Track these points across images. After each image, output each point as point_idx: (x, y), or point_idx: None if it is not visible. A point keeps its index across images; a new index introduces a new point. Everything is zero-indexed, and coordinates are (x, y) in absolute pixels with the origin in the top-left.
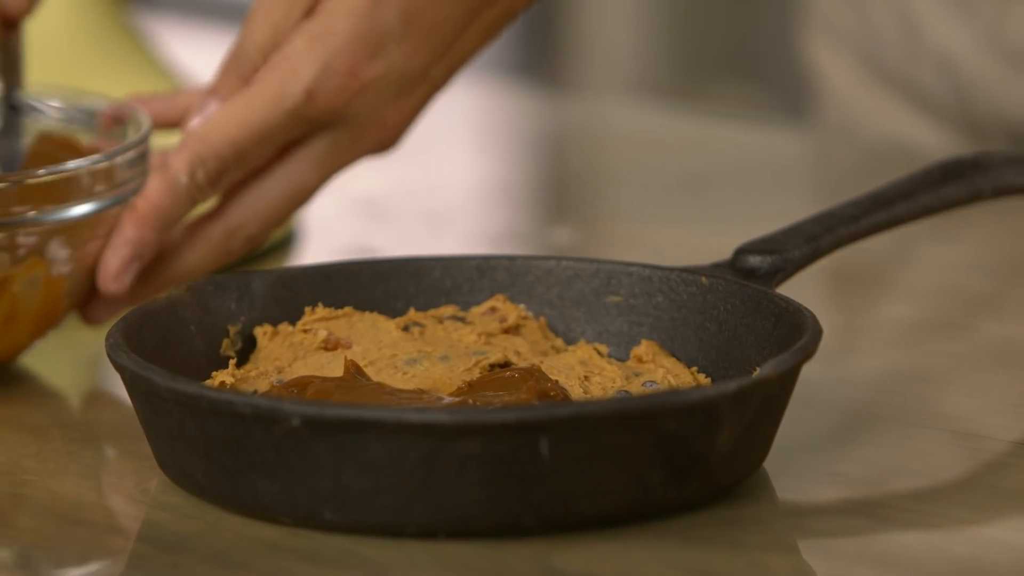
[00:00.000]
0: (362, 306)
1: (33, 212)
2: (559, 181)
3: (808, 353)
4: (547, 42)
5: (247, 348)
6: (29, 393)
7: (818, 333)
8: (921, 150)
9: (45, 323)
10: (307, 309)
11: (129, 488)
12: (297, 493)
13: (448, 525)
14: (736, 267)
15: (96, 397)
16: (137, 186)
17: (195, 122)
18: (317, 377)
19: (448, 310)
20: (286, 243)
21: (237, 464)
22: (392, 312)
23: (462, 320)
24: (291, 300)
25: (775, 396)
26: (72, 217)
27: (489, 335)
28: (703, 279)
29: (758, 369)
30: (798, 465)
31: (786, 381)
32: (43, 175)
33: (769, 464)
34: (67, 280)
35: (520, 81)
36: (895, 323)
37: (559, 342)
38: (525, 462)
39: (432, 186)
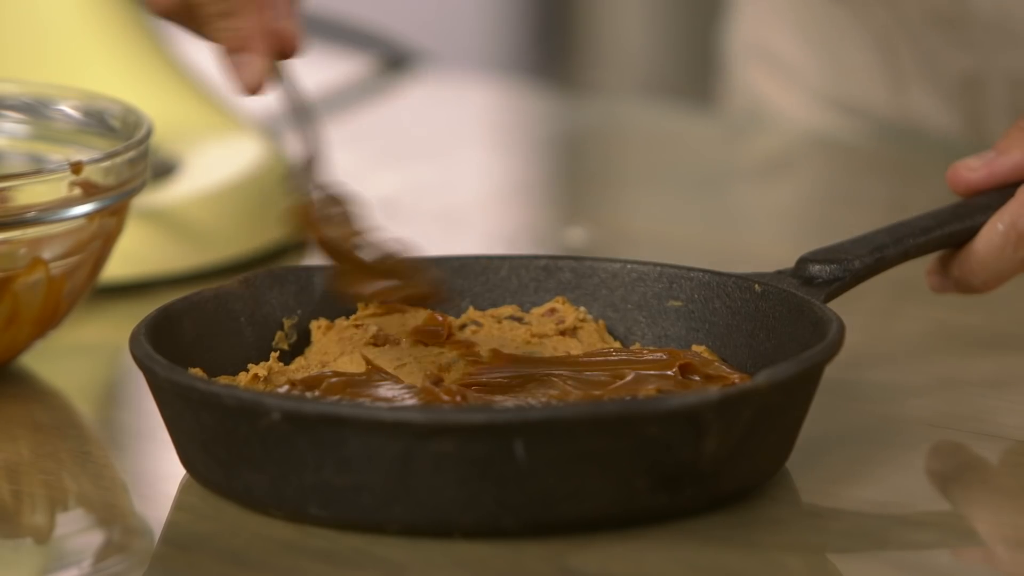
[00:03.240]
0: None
1: (33, 212)
2: (574, 181)
3: (811, 364)
4: (562, 43)
5: (303, 342)
6: (42, 393)
7: (833, 344)
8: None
9: (46, 323)
10: (360, 305)
11: (145, 488)
12: (284, 487)
13: (428, 524)
14: (797, 275)
15: (111, 397)
16: (137, 186)
17: None
18: (335, 372)
19: (508, 310)
20: (302, 243)
21: (229, 456)
22: (456, 310)
23: (520, 320)
24: (353, 295)
25: (777, 404)
26: (72, 217)
27: (543, 336)
28: (756, 286)
29: None
30: (822, 466)
31: (788, 390)
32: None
33: (793, 465)
34: (68, 280)
35: (535, 82)
36: (922, 326)
37: (617, 345)
38: (501, 464)
39: (447, 186)
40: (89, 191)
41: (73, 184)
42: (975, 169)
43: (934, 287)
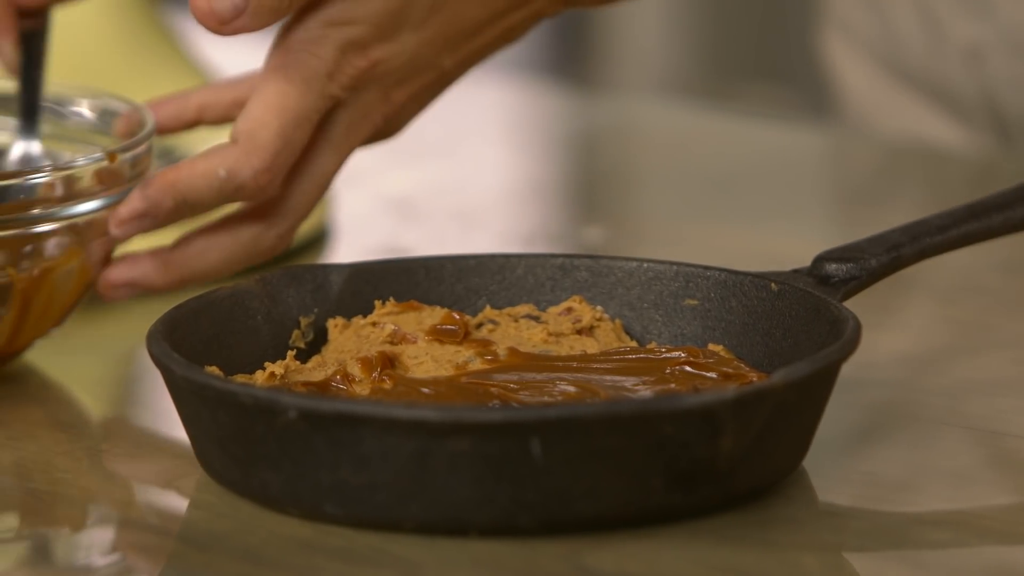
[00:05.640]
0: (443, 302)
1: (80, 203)
2: (590, 180)
3: (827, 363)
4: (578, 42)
5: (320, 340)
6: (60, 391)
7: (850, 343)
8: (945, 149)
9: (67, 312)
10: (377, 303)
11: (162, 486)
12: (300, 486)
13: (445, 523)
14: (813, 274)
15: (128, 395)
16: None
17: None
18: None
19: (525, 308)
20: (317, 241)
21: (246, 455)
22: (472, 309)
23: (536, 319)
24: (369, 293)
25: (793, 403)
26: (97, 209)
27: (559, 335)
28: (772, 285)
29: None
30: (839, 465)
31: (804, 388)
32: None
33: (809, 464)
34: (96, 270)
35: (551, 80)
36: (939, 324)
37: (633, 344)
38: (517, 462)
39: (463, 185)
40: (111, 181)
41: (100, 174)
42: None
43: None
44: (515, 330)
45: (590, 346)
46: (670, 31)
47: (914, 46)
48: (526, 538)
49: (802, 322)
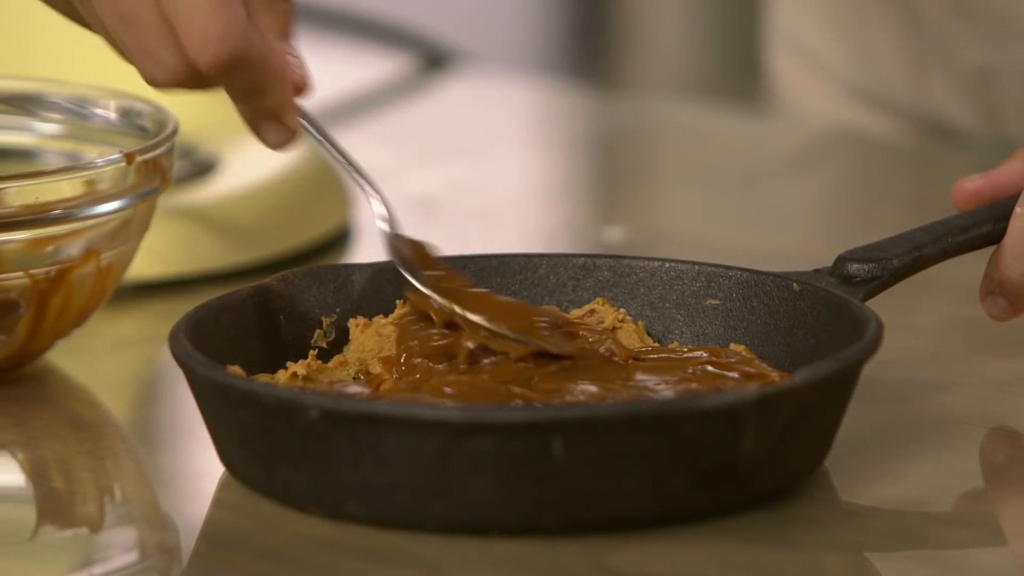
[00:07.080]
0: None
1: (99, 205)
2: (611, 180)
3: (849, 363)
4: (600, 42)
5: (342, 340)
6: (81, 390)
7: (872, 343)
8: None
9: (87, 313)
10: (398, 302)
11: (184, 485)
12: (322, 485)
13: (467, 523)
14: (835, 273)
15: (150, 395)
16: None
17: None
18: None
19: (547, 309)
20: (339, 241)
21: (268, 454)
22: None
23: None
24: (391, 293)
25: (815, 403)
26: (118, 210)
27: None
28: (794, 285)
29: None
30: (860, 465)
31: (826, 388)
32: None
33: (831, 463)
34: (111, 273)
35: (573, 81)
36: (962, 324)
37: (655, 345)
38: (539, 462)
39: (486, 185)
40: (154, 175)
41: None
42: (974, 180)
43: (990, 312)
44: None
45: (612, 347)
46: (691, 31)
47: (897, 73)
48: (548, 538)
49: (824, 322)
